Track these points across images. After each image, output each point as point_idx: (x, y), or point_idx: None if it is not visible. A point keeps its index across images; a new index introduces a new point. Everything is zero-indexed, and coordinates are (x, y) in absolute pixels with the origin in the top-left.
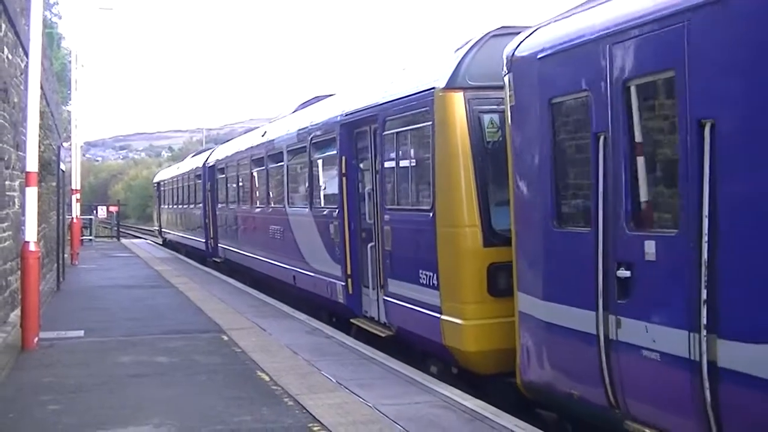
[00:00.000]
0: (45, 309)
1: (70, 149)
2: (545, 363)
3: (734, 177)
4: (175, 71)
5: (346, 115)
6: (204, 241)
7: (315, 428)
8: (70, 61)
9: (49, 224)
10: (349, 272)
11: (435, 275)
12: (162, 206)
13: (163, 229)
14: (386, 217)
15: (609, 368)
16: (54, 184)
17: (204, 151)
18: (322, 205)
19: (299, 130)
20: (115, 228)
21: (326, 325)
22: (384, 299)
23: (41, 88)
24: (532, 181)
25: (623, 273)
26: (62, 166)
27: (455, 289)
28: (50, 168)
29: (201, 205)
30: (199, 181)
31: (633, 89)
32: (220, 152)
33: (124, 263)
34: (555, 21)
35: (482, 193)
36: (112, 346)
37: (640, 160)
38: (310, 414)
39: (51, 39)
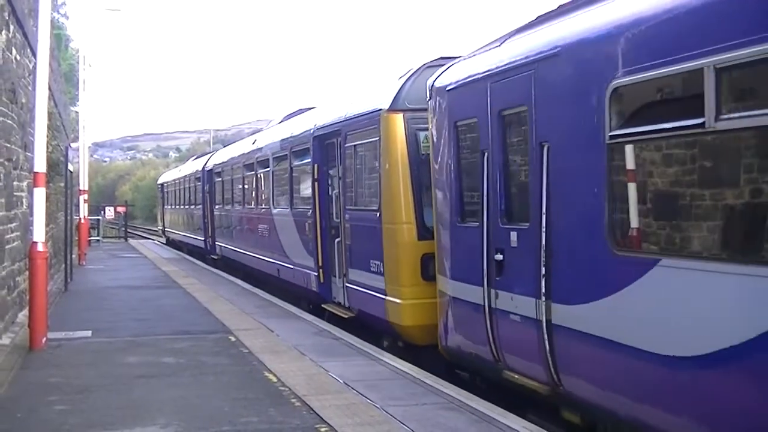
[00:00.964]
0: (53, 309)
1: (78, 150)
2: (455, 330)
3: (559, 184)
4: (182, 72)
5: (318, 129)
6: (203, 239)
7: (322, 429)
8: (77, 62)
9: (56, 225)
10: (320, 264)
11: (381, 264)
12: (165, 207)
13: (166, 229)
14: (346, 216)
15: (492, 330)
16: (62, 184)
17: (204, 155)
18: (300, 206)
19: (282, 140)
20: (123, 228)
21: (333, 326)
22: (346, 286)
23: (49, 88)
24: (444, 187)
25: (498, 257)
26: (70, 167)
27: (396, 275)
28: (58, 168)
29: (200, 206)
30: (199, 184)
31: (504, 118)
32: (218, 157)
33: (131, 264)
34: (461, 61)
35: (417, 196)
36: (120, 347)
37: (509, 171)
38: (318, 415)
39: (59, 40)
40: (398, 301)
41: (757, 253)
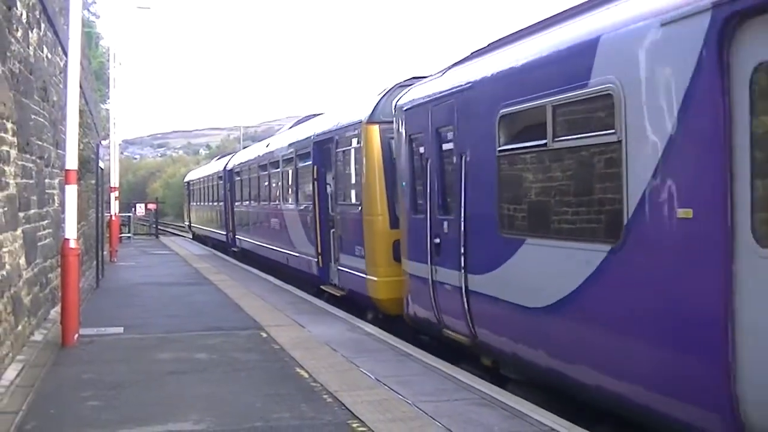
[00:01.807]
0: (84, 306)
1: (109, 147)
2: (412, 301)
3: (470, 184)
4: (212, 69)
5: (317, 135)
6: (225, 234)
7: (354, 425)
8: (108, 60)
9: (88, 222)
10: (319, 251)
11: (362, 248)
12: (191, 204)
13: (192, 225)
14: (338, 210)
15: (434, 299)
16: (93, 182)
17: (226, 155)
18: (303, 202)
19: (290, 144)
20: (154, 225)
21: (365, 322)
22: (338, 269)
23: (80, 86)
24: (403, 186)
25: (436, 240)
26: (101, 164)
27: (373, 257)
28: (89, 166)
29: (222, 203)
30: (221, 182)
31: (440, 134)
32: (237, 158)
33: (162, 261)
34: (415, 86)
35: (389, 193)
36: (152, 343)
37: (443, 175)
38: (349, 411)
39: (89, 38)
40: (375, 279)
41: (575, 233)
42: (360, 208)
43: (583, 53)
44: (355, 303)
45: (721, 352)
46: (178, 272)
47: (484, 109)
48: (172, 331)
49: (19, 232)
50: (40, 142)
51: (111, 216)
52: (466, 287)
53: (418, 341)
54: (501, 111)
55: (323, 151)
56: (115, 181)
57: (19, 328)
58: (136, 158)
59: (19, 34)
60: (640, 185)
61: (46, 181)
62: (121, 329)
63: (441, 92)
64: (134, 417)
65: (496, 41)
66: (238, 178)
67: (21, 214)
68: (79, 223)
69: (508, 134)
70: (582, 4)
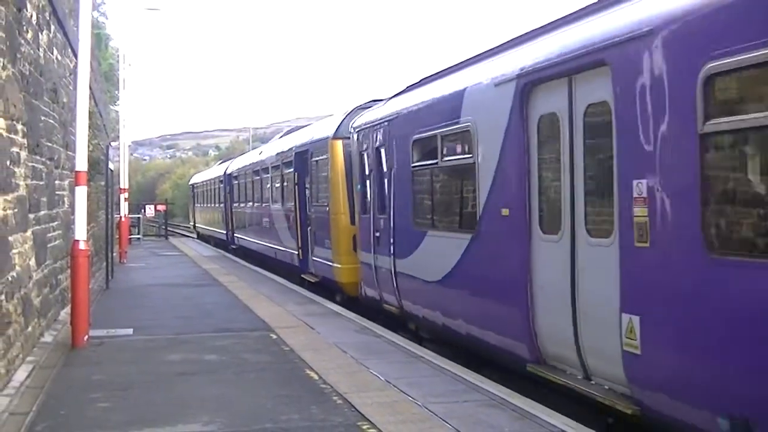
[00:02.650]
0: (94, 307)
1: (118, 148)
2: (364, 283)
3: (396, 191)
4: (221, 70)
5: (297, 147)
6: (225, 233)
7: (364, 427)
8: (117, 61)
9: (97, 223)
10: (299, 245)
11: (330, 242)
12: (196, 205)
13: (196, 225)
14: (313, 210)
15: (377, 280)
16: (102, 183)
17: (226, 161)
18: (287, 203)
19: (276, 153)
20: (163, 227)
21: (375, 324)
22: (313, 259)
23: (90, 88)
24: (357, 193)
25: (377, 234)
26: (111, 166)
27: (337, 249)
28: (99, 167)
29: (223, 204)
30: (222, 186)
31: (378, 151)
32: (234, 164)
33: (172, 262)
34: (366, 111)
35: (350, 196)
36: (161, 345)
37: (380, 183)
38: (359, 412)
39: (99, 39)
40: (339, 266)
41: (453, 226)
42: (328, 208)
43: (457, 99)
44: (327, 287)
45: (526, 303)
46: (188, 273)
47: (404, 135)
48: (182, 333)
49: (29, 233)
50: (50, 144)
51: (120, 217)
52: (395, 269)
53: (371, 317)
54: (414, 137)
55: (302, 161)
56: (124, 182)
57: (29, 329)
58: (145, 159)
59: (29, 35)
60: (485, 193)
61: (56, 182)
62: (130, 330)
63: (380, 118)
64: (144, 418)
65: (418, 81)
66: (236, 182)
67: (31, 216)
68: (88, 224)
69: (418, 154)
70: (467, 59)
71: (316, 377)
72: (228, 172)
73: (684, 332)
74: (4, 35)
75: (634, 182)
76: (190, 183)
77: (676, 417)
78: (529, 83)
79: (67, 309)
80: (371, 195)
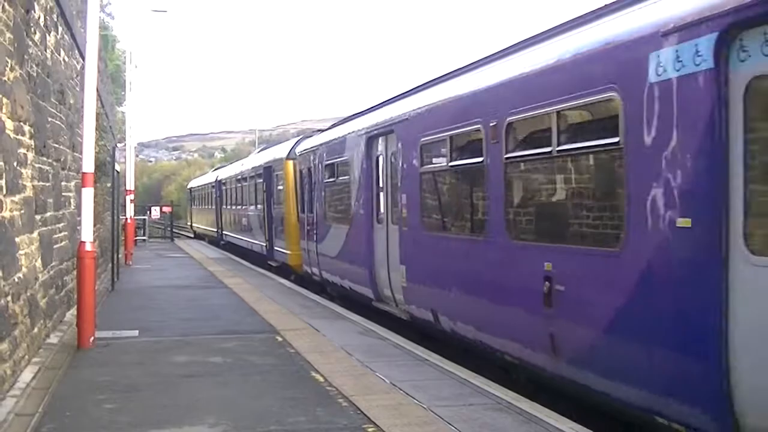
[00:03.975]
0: (100, 309)
1: (125, 150)
2: (304, 263)
3: (316, 197)
4: (228, 72)
5: (265, 162)
6: (216, 231)
7: (370, 429)
8: (124, 63)
9: (103, 225)
10: (267, 239)
11: (285, 234)
12: (193, 207)
13: (193, 224)
14: (275, 211)
15: (309, 259)
16: (108, 184)
17: (219, 168)
18: (260, 206)
19: (252, 166)
20: (169, 228)
21: (380, 327)
22: (275, 249)
23: (96, 89)
24: (301, 197)
25: (308, 228)
26: (117, 167)
27: (289, 240)
28: (105, 169)
29: (214, 206)
30: (213, 190)
31: (310, 170)
32: (224, 172)
33: (177, 263)
34: (306, 138)
35: (299, 200)
36: (167, 346)
37: (312, 191)
38: (365, 415)
39: (105, 41)
40: (290, 253)
41: (342, 220)
42: (284, 208)
43: (343, 141)
44: (284, 270)
45: (371, 265)
46: (193, 275)
47: (320, 160)
48: (188, 335)
49: (35, 234)
50: (56, 145)
51: (126, 219)
52: (317, 251)
53: (310, 288)
54: (325, 162)
55: (268, 174)
56: (130, 183)
57: (35, 330)
58: (151, 161)
59: (36, 37)
60: (354, 200)
61: (63, 183)
62: (136, 332)
63: (309, 147)
64: (150, 420)
65: (330, 127)
66: (225, 188)
67: (37, 217)
68: (94, 225)
69: (327, 174)
70: (349, 116)
71: (321, 380)
72: (218, 178)
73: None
74: (12, 37)
75: None
76: (188, 187)
77: None
78: (372, 136)
79: (73, 310)
80: (306, 200)
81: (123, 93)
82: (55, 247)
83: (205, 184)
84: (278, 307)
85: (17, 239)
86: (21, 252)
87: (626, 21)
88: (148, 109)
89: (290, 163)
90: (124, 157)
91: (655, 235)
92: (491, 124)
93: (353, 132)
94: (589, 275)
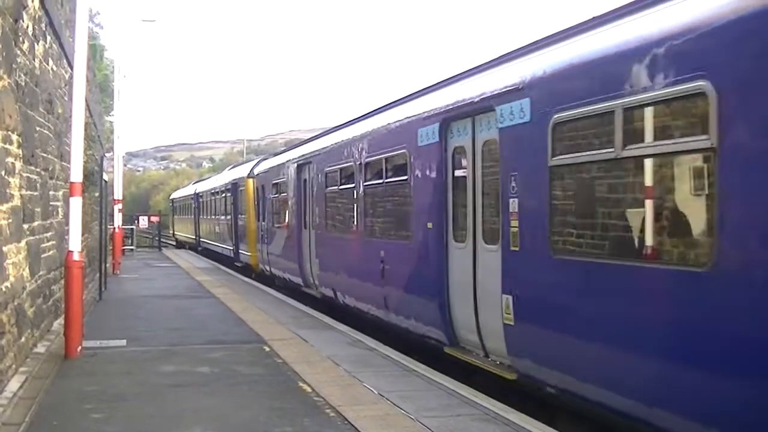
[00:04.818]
0: (87, 318)
1: (113, 159)
2: (260, 262)
3: (267, 208)
4: (216, 82)
5: (232, 180)
6: (195, 238)
7: None
8: (112, 72)
9: (91, 234)
10: (234, 244)
11: (246, 239)
12: (175, 216)
13: (175, 233)
14: (239, 220)
15: (263, 259)
16: (96, 194)
17: (199, 182)
18: (229, 215)
19: (223, 182)
20: (156, 238)
21: (368, 337)
22: (240, 252)
23: (85, 99)
24: (259, 208)
25: (261, 233)
26: (105, 177)
27: (249, 244)
28: (93, 178)
29: (193, 216)
30: (192, 202)
31: (264, 187)
32: (201, 186)
33: (165, 273)
34: (264, 160)
35: (258, 211)
36: (154, 356)
37: (265, 203)
38: (353, 425)
39: (94, 50)
40: (250, 254)
41: (282, 223)
42: (246, 217)
43: (283, 166)
44: (247, 269)
45: (300, 259)
46: (181, 285)
47: (269, 181)
48: (175, 344)
49: (23, 243)
50: (44, 154)
51: (114, 228)
52: (267, 252)
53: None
54: (272, 181)
55: (235, 188)
56: (118, 193)
57: (23, 339)
58: (139, 171)
59: (25, 46)
60: (290, 210)
61: (51, 193)
62: (123, 342)
63: (264, 169)
64: (137, 429)
65: (275, 153)
66: (201, 200)
67: (25, 226)
68: (82, 235)
69: (272, 191)
70: (286, 148)
71: (309, 390)
72: (196, 191)
73: None
74: (0, 46)
75: None
76: (170, 198)
77: None
78: (300, 164)
79: (61, 320)
80: (260, 211)
81: (111, 102)
82: (42, 256)
83: (185, 196)
84: (266, 317)
85: (5, 248)
86: (8, 261)
87: (406, 110)
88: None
89: (250, 180)
90: (112, 167)
91: (418, 233)
92: (357, 162)
93: (290, 160)
94: (397, 258)
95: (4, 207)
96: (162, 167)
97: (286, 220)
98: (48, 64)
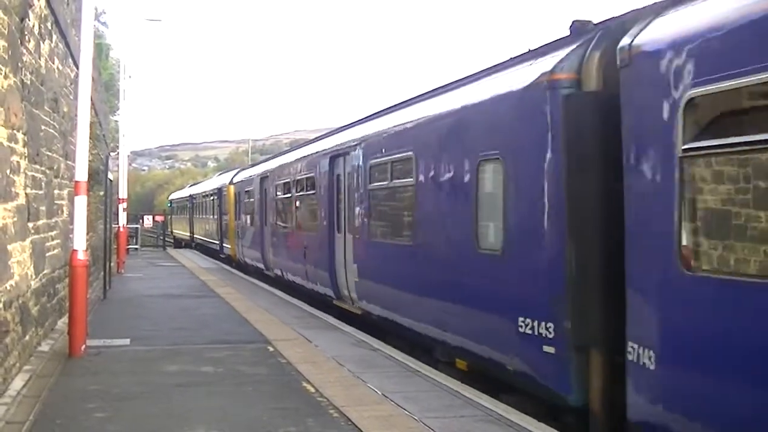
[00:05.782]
0: (91, 317)
1: (118, 158)
2: (237, 254)
3: (241, 211)
4: (221, 82)
5: (218, 186)
6: (189, 236)
7: None
8: (117, 71)
9: (96, 233)
10: (219, 239)
11: (228, 235)
12: (173, 216)
13: (173, 231)
14: (223, 219)
15: (238, 251)
16: (101, 193)
17: (194, 185)
18: (217, 215)
19: (211, 187)
20: (161, 237)
21: (372, 338)
22: (223, 246)
23: (90, 98)
24: (238, 210)
25: (238, 230)
26: (110, 176)
27: (230, 239)
28: (98, 177)
29: (188, 215)
30: (188, 203)
31: (241, 193)
32: (195, 189)
33: (169, 272)
34: (240, 172)
35: (237, 212)
36: (158, 355)
37: (243, 206)
38: (356, 426)
39: (99, 49)
40: (231, 247)
41: (257, 224)
42: (228, 216)
43: (254, 180)
44: (228, 260)
45: (262, 247)
46: (185, 284)
47: (243, 189)
48: (179, 344)
49: (27, 242)
50: (50, 153)
51: (119, 227)
52: (241, 244)
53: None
54: (244, 189)
55: (221, 193)
56: (123, 192)
57: (27, 338)
58: (144, 170)
59: (31, 45)
60: (259, 212)
61: (56, 192)
62: (128, 341)
63: (240, 179)
64: (140, 429)
65: (249, 165)
66: (195, 202)
67: (30, 225)
68: (87, 234)
69: (245, 196)
70: (254, 163)
71: (312, 390)
72: (191, 194)
73: None
74: (6, 44)
75: None
76: (169, 198)
77: None
78: (262, 177)
79: (65, 318)
80: (237, 212)
81: (116, 102)
82: (47, 255)
83: (182, 198)
84: (270, 317)
85: (9, 247)
86: (13, 260)
87: (314, 147)
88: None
89: (231, 187)
90: (117, 166)
91: (322, 227)
92: (292, 179)
93: (255, 174)
94: (316, 245)
95: (9, 206)
96: (167, 167)
97: (251, 218)
98: (54, 63)
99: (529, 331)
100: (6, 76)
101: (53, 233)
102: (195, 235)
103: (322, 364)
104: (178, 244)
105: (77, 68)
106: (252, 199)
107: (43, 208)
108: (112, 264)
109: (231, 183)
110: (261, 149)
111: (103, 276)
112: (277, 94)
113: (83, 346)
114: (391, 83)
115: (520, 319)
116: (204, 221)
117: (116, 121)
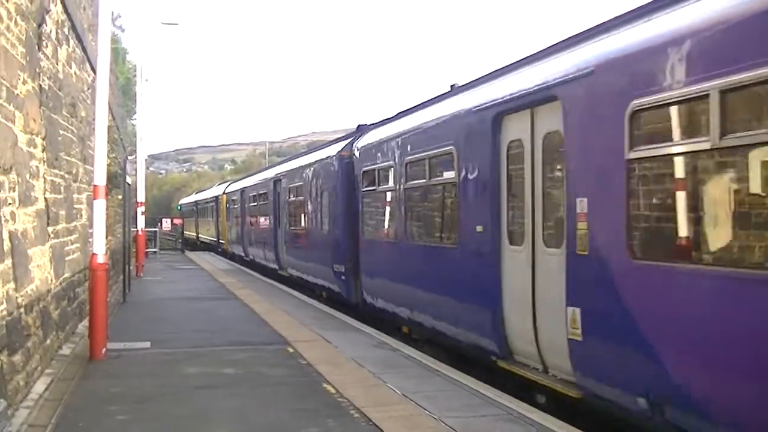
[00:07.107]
0: (112, 320)
1: (135, 162)
2: (229, 248)
3: (230, 216)
4: (238, 84)
5: (215, 195)
6: (195, 235)
7: None
8: (134, 75)
9: (114, 236)
10: (217, 237)
11: (223, 233)
12: (183, 219)
13: (184, 232)
14: (219, 221)
15: (229, 245)
16: (120, 197)
17: (200, 191)
18: (217, 218)
19: (211, 195)
20: (179, 240)
21: (392, 338)
22: (220, 242)
23: (108, 102)
24: (229, 214)
25: (237, 231)
26: (128, 179)
27: (224, 236)
28: (116, 181)
29: (194, 218)
30: (195, 207)
31: (234, 201)
32: (198, 196)
33: (188, 275)
34: (231, 184)
35: (227, 217)
36: (179, 358)
37: (233, 211)
38: (377, 426)
39: (116, 53)
40: (224, 242)
41: (239, 223)
42: (220, 219)
43: (240, 193)
44: (227, 255)
45: (273, 245)
46: (204, 287)
47: (230, 198)
48: (199, 346)
49: (47, 246)
50: (68, 158)
51: (137, 231)
52: (229, 239)
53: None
54: (231, 198)
55: (217, 200)
56: (141, 196)
57: (48, 341)
58: (161, 173)
59: (48, 50)
60: (237, 213)
61: (74, 196)
62: (148, 344)
63: (229, 191)
64: (162, 430)
65: (241, 177)
66: (199, 206)
67: (50, 229)
68: (106, 237)
69: (232, 204)
70: (241, 176)
71: (333, 391)
72: (196, 200)
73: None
74: (24, 50)
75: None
76: (179, 203)
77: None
78: (243, 190)
79: (85, 322)
80: (228, 216)
81: (133, 105)
82: (67, 259)
83: (189, 203)
84: (289, 318)
85: (30, 251)
86: (33, 264)
87: (308, 158)
88: (158, 122)
89: (224, 196)
90: (135, 169)
91: (250, 220)
92: (273, 192)
93: (239, 187)
94: (297, 239)
95: (29, 210)
96: (184, 170)
97: (241, 219)
98: (71, 68)
99: (336, 269)
100: (24, 82)
101: (72, 237)
102: (200, 235)
103: (342, 365)
104: (186, 243)
105: (94, 73)
106: (236, 207)
107: (62, 212)
108: (131, 267)
109: (224, 193)
110: (278, 151)
111: (122, 279)
112: (294, 95)
113: (104, 349)
114: (409, 82)
115: (335, 265)
116: (206, 223)
117: (133, 124)
